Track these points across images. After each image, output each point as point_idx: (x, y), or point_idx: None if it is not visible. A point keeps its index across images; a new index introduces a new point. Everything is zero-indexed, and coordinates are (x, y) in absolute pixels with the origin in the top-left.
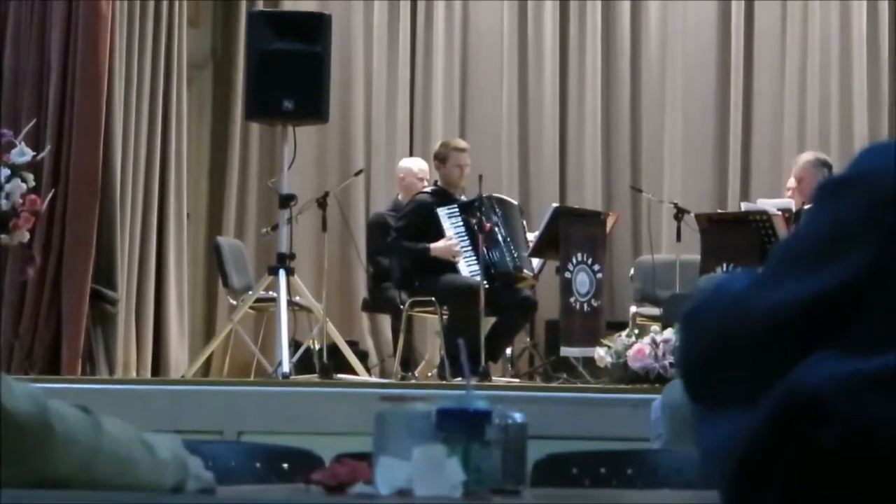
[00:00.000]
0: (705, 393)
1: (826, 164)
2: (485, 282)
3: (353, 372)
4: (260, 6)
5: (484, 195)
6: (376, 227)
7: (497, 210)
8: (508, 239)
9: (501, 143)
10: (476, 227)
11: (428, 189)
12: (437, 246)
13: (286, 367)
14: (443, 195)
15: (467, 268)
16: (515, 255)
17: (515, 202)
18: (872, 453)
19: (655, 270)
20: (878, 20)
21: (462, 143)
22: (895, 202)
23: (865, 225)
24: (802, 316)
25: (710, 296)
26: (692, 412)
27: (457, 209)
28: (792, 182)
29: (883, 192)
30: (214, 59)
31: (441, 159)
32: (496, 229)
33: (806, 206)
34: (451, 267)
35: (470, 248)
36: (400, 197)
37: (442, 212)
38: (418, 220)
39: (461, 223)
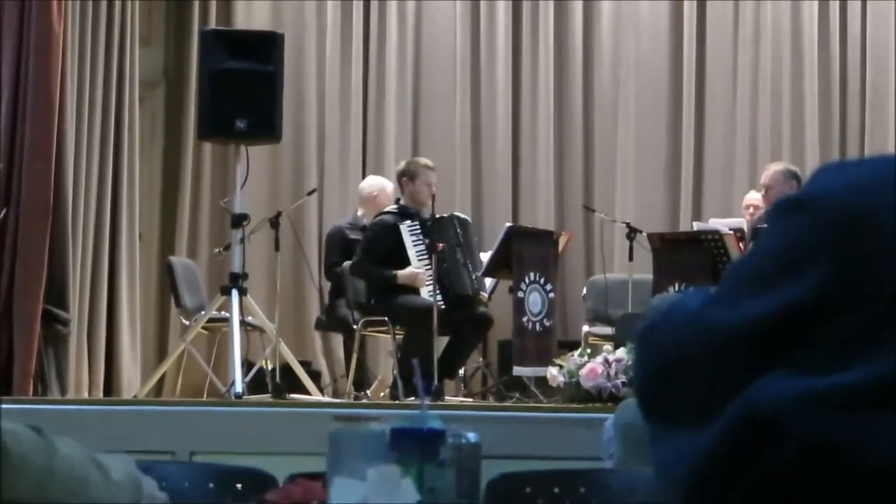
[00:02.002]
0: (660, 410)
1: (796, 176)
2: (442, 302)
3: (306, 392)
4: (212, 25)
5: (445, 214)
6: (336, 241)
7: (459, 231)
8: (468, 260)
9: (455, 162)
10: (432, 247)
11: (392, 209)
12: (403, 273)
13: (239, 388)
14: (405, 214)
15: (427, 290)
16: (474, 278)
17: (468, 217)
18: (828, 472)
19: (608, 290)
20: (828, 26)
21: (430, 162)
22: (850, 223)
23: (820, 245)
24: (757, 335)
25: (665, 314)
26: (647, 429)
27: (418, 227)
28: (750, 198)
29: (837, 212)
30: (167, 78)
31: (410, 177)
32: (456, 250)
33: (760, 227)
34: (406, 287)
35: (430, 266)
36: (361, 213)
37: (404, 227)
38: (385, 242)
39: (421, 241)
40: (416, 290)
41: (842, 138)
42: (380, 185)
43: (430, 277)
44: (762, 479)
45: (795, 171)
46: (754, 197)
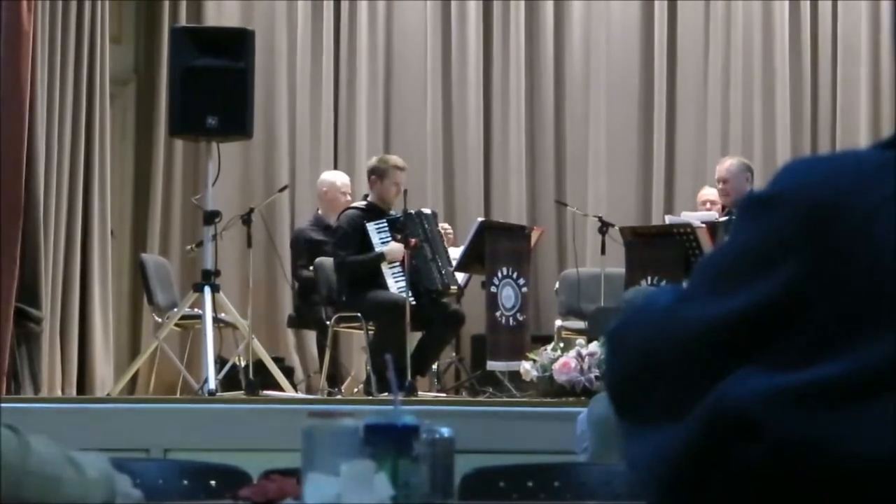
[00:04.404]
0: (632, 408)
1: (749, 169)
2: (412, 298)
3: (280, 388)
4: (183, 22)
5: (412, 210)
6: (299, 243)
7: (425, 226)
8: (436, 255)
9: (426, 157)
10: (402, 243)
11: (360, 204)
12: (389, 249)
13: (212, 385)
14: (373, 211)
15: (395, 284)
16: (443, 272)
17: (430, 210)
18: (800, 468)
19: (580, 284)
20: (799, 25)
21: (402, 162)
22: (820, 219)
23: (791, 241)
24: (727, 332)
25: (635, 312)
26: (620, 427)
27: (385, 225)
28: (705, 194)
29: (808, 208)
30: (137, 75)
31: (379, 175)
32: (424, 246)
33: (722, 219)
34: (378, 283)
35: (398, 264)
36: (320, 211)
37: (371, 227)
38: (355, 235)
39: (389, 239)
40: (386, 286)
41: (813, 133)
42: (329, 181)
43: (395, 267)
44: (735, 477)
45: (749, 164)
46: (710, 192)
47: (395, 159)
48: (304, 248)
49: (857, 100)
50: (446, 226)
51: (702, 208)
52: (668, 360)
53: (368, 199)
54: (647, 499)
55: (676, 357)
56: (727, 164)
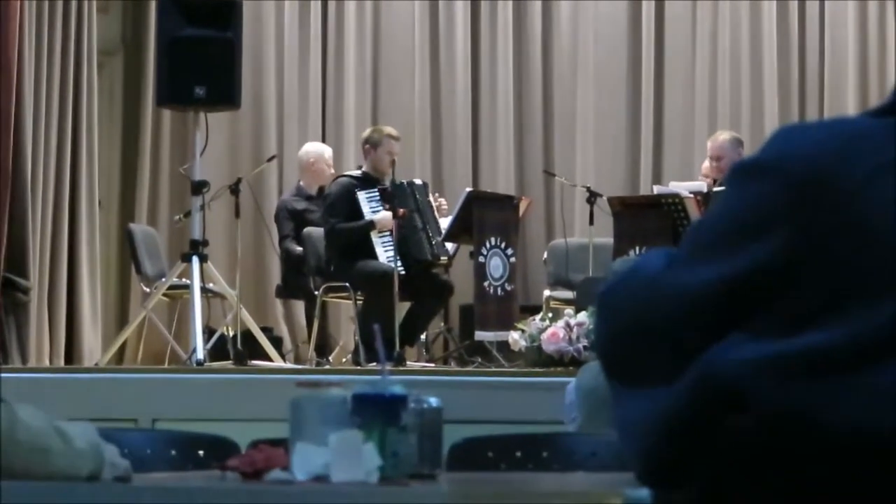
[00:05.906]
0: (622, 372)
1: (741, 143)
2: (401, 268)
3: (268, 358)
4: None
5: (403, 181)
6: (282, 214)
7: (416, 196)
8: (426, 225)
9: (414, 128)
10: (392, 213)
11: (354, 173)
12: (379, 218)
13: (200, 354)
14: (367, 180)
15: (384, 253)
16: (433, 243)
17: (421, 181)
18: (787, 439)
19: (569, 254)
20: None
21: (396, 132)
22: (809, 186)
23: (780, 209)
24: (716, 297)
25: (625, 276)
26: (610, 389)
27: (376, 194)
28: (707, 165)
29: (796, 175)
30: (125, 45)
31: (374, 144)
32: (414, 216)
33: (716, 189)
34: (368, 252)
35: (388, 234)
36: (302, 183)
37: (361, 195)
38: (345, 203)
39: (379, 208)
40: (375, 255)
41: (801, 101)
42: (317, 152)
43: (385, 236)
44: (721, 443)
45: (740, 138)
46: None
47: (389, 129)
48: (287, 219)
49: (845, 67)
50: (441, 199)
51: (701, 177)
52: (657, 323)
53: (363, 168)
54: (634, 465)
55: (665, 321)
56: (720, 142)
